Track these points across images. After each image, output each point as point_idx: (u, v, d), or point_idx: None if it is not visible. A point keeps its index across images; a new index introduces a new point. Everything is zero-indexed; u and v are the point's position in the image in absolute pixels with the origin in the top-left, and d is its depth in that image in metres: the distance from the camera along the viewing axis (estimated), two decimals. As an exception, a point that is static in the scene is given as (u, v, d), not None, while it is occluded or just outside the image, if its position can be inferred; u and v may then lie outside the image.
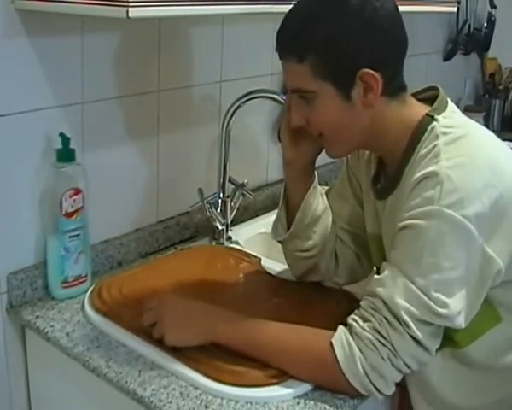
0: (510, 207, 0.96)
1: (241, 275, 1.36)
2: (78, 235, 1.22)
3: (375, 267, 1.22)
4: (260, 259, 1.40)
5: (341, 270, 1.24)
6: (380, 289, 0.96)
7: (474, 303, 0.96)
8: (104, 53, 1.28)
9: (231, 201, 1.52)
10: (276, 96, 1.41)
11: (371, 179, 1.15)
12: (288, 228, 1.20)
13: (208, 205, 1.48)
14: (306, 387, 1.01)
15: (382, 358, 0.93)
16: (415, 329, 0.92)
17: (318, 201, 1.19)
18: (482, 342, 1.02)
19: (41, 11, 1.07)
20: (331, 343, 0.96)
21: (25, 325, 1.22)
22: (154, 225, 1.47)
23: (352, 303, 1.08)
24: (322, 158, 1.15)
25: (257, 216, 1.70)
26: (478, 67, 2.82)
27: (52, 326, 1.15)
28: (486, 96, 2.77)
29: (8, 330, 1.23)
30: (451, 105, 1.05)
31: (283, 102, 1.25)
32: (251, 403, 0.98)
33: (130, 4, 0.93)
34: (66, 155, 1.20)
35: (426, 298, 0.92)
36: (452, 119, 1.02)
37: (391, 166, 1.07)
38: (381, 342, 0.93)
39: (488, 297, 0.98)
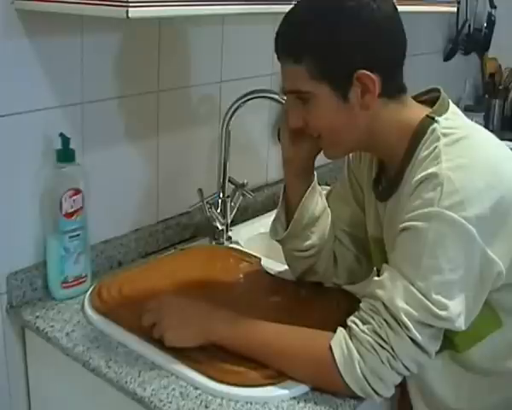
0: (511, 208, 0.95)
1: (241, 275, 1.36)
2: (77, 235, 1.22)
3: (374, 268, 1.22)
4: (260, 259, 1.40)
5: (340, 271, 1.24)
6: (379, 291, 0.95)
7: (475, 305, 0.96)
8: (104, 53, 1.28)
9: (231, 201, 1.51)
10: (276, 97, 1.41)
11: (372, 182, 1.14)
12: (287, 227, 1.20)
13: (208, 205, 1.48)
14: (306, 387, 1.01)
15: (382, 361, 0.93)
16: (414, 331, 0.92)
17: (317, 201, 1.19)
18: (483, 347, 1.02)
19: (41, 11, 1.07)
20: (330, 346, 0.96)
21: (25, 326, 1.22)
22: (154, 226, 1.47)
23: (352, 303, 1.08)
24: (323, 158, 1.15)
25: (257, 216, 1.70)
26: (478, 67, 2.82)
27: (52, 326, 1.15)
28: (486, 96, 2.78)
29: (8, 331, 1.23)
30: (453, 107, 1.04)
31: (283, 102, 1.25)
32: (251, 403, 0.98)
33: (130, 4, 0.93)
34: (66, 155, 1.20)
35: (426, 300, 0.91)
36: (453, 120, 1.01)
37: (391, 167, 1.07)
38: (380, 345, 0.93)
39: (489, 301, 0.98)
